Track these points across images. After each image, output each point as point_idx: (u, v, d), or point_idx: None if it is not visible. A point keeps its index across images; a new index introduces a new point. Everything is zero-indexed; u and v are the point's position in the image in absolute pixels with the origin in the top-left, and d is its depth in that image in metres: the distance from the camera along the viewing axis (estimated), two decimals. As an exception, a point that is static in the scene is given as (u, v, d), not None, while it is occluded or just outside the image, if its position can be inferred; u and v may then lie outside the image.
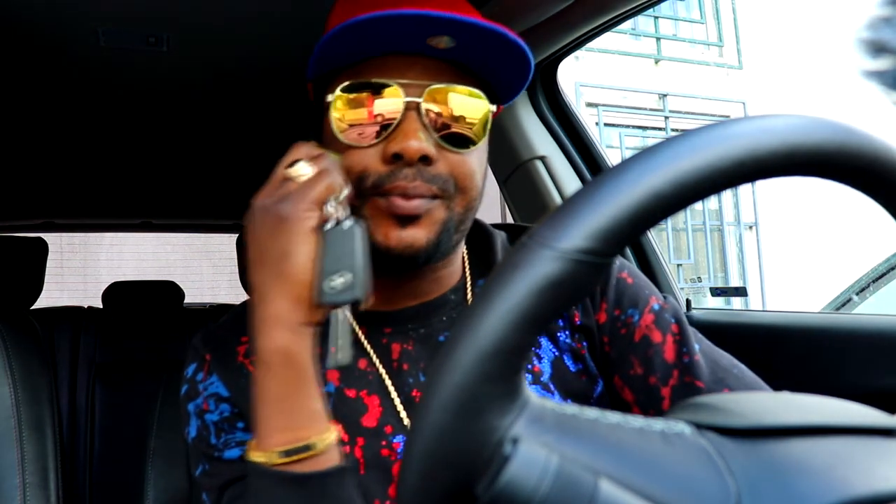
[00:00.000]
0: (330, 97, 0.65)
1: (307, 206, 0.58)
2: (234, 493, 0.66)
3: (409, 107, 0.64)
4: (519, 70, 0.67)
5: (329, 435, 0.59)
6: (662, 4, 1.35)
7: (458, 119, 0.66)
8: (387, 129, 0.64)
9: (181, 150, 1.74)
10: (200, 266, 7.63)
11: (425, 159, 0.64)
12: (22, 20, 1.04)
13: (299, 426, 0.58)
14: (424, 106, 0.64)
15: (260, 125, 1.60)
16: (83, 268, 7.30)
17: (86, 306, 1.93)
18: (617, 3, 1.05)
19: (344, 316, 0.58)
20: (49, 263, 1.66)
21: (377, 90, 0.64)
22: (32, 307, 1.62)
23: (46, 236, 1.72)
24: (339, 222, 0.59)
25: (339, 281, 0.57)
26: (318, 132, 0.71)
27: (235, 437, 0.68)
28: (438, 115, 0.65)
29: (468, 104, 0.66)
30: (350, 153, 0.65)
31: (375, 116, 0.64)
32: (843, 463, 0.30)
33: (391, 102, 0.64)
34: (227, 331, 0.73)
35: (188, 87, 1.35)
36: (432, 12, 0.59)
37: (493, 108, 0.69)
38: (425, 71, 0.65)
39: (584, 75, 7.25)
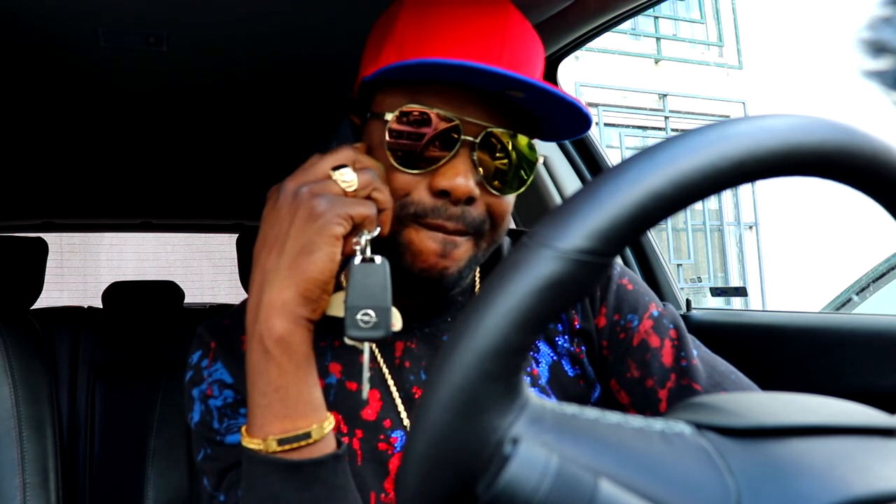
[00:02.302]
0: (388, 116, 0.65)
1: (343, 214, 0.59)
2: (235, 478, 0.66)
3: (464, 144, 0.64)
4: (573, 132, 0.69)
5: (326, 424, 0.60)
6: (662, 4, 1.35)
7: (508, 166, 0.67)
8: (437, 160, 0.65)
9: (181, 150, 1.74)
10: (200, 266, 7.63)
11: (469, 200, 0.65)
12: (22, 20, 1.04)
13: (298, 415, 0.59)
14: (479, 147, 0.65)
15: (260, 125, 1.59)
16: (83, 268, 7.30)
17: (86, 306, 1.93)
18: (617, 2, 1.05)
19: (370, 351, 0.61)
20: (49, 263, 1.66)
21: (437, 121, 0.64)
22: (32, 307, 1.62)
23: (46, 236, 1.72)
24: (364, 257, 0.60)
25: (368, 317, 0.59)
26: (358, 132, 0.71)
27: (238, 422, 0.69)
28: (490, 158, 0.66)
29: (520, 153, 0.67)
30: (397, 175, 0.66)
31: (429, 146, 0.64)
32: (843, 463, 0.30)
33: (449, 137, 0.64)
34: (232, 323, 0.74)
35: (188, 87, 1.35)
36: (521, 76, 0.58)
37: (542, 158, 0.70)
38: (485, 109, 0.65)
39: (584, 75, 7.26)
